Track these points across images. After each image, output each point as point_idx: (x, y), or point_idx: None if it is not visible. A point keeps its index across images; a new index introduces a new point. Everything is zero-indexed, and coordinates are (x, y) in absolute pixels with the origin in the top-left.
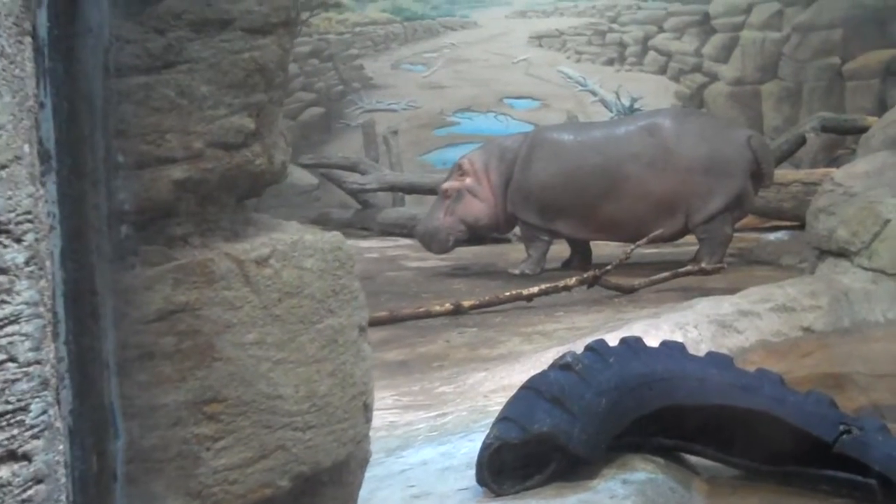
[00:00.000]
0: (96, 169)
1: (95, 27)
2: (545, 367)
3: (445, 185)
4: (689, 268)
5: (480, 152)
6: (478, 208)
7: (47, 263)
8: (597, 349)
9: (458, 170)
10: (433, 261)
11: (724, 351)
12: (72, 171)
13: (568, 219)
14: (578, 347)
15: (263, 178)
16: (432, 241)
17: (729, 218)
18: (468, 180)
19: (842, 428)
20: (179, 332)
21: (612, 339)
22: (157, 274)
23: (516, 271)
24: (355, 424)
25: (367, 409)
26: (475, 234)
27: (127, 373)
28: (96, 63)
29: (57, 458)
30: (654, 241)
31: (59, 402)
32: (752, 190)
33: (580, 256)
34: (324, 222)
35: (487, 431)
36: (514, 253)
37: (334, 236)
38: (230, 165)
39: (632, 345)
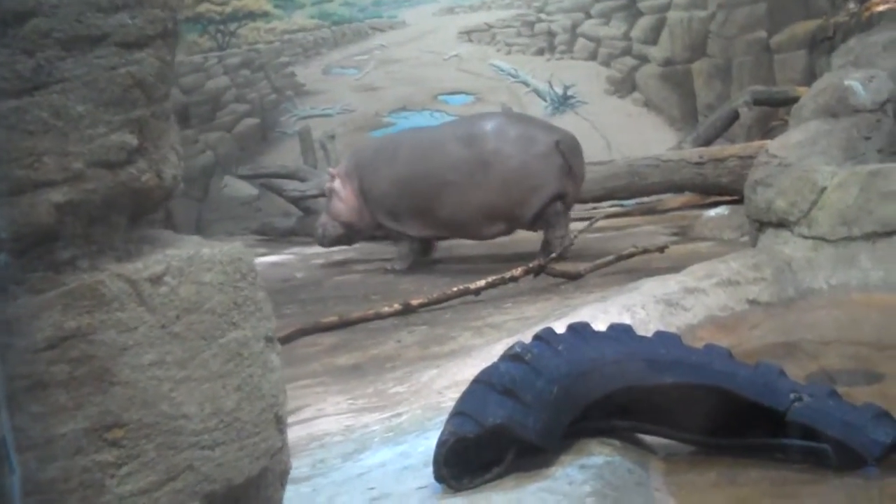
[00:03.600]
0: None
1: None
2: (496, 359)
3: (325, 186)
4: (632, 250)
5: (348, 155)
6: (340, 209)
7: None
8: (545, 337)
9: (330, 174)
10: (377, 262)
11: (672, 329)
12: None
13: (411, 220)
14: (528, 337)
15: (153, 195)
16: (314, 236)
17: (560, 210)
18: (336, 182)
19: (793, 396)
20: (72, 358)
21: (561, 326)
22: (44, 301)
23: (388, 267)
24: (267, 437)
25: (279, 420)
26: (351, 233)
27: (18, 405)
28: None
29: None
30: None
31: None
32: (569, 189)
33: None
34: (267, 232)
35: (442, 428)
36: (461, 249)
37: (234, 248)
38: (114, 184)
39: (579, 330)
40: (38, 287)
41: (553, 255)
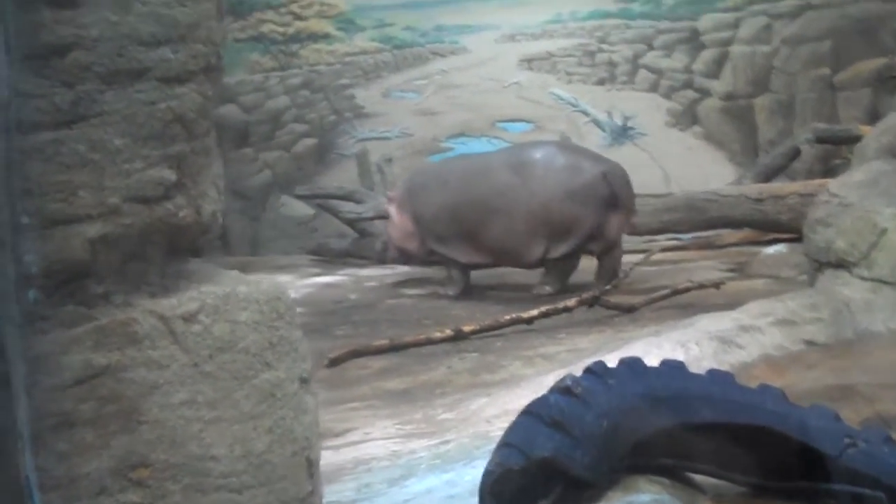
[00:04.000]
0: (1, 231)
1: None
2: (547, 390)
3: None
4: (687, 284)
5: (403, 181)
6: (394, 233)
7: None
8: (596, 371)
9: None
10: (432, 286)
11: (726, 367)
12: None
13: (459, 246)
14: (580, 369)
15: (191, 231)
16: (375, 251)
17: (577, 250)
18: (392, 207)
19: (846, 441)
20: (101, 396)
21: (614, 360)
22: (75, 336)
23: (440, 291)
24: (298, 481)
25: (310, 464)
26: (405, 257)
27: (43, 443)
28: None
29: None
30: (526, 268)
31: None
32: (612, 220)
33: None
34: (322, 253)
35: (489, 458)
36: (515, 276)
37: (272, 286)
38: (151, 220)
39: (631, 365)
40: (68, 322)
41: (607, 287)
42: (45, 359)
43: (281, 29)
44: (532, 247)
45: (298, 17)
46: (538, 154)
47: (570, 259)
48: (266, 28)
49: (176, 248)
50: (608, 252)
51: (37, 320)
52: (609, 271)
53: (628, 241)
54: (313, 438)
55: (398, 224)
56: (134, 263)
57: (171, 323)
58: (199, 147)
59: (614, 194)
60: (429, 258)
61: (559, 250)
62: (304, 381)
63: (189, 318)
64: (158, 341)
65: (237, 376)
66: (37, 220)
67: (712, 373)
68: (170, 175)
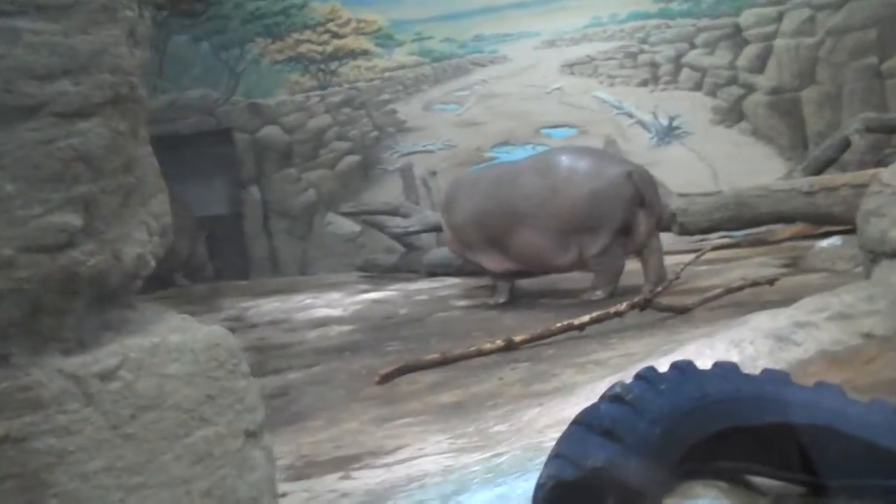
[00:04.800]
0: None
1: None
2: (597, 399)
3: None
4: (741, 282)
5: (444, 190)
6: (446, 238)
7: None
8: (647, 377)
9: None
10: (480, 298)
11: (782, 365)
12: None
13: (488, 253)
14: (630, 376)
15: (109, 278)
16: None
17: (620, 251)
18: (440, 215)
19: None
20: (1, 469)
21: (666, 363)
22: None
23: (490, 302)
24: None
25: None
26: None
27: None
28: None
29: None
30: (557, 272)
31: None
32: (641, 220)
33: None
34: (370, 269)
35: (541, 470)
36: (565, 283)
37: (212, 332)
38: (53, 269)
39: (683, 369)
40: None
41: (657, 288)
42: None
43: (319, 48)
44: (561, 250)
45: (336, 36)
46: (563, 157)
47: (613, 260)
48: (304, 48)
49: (101, 298)
50: (646, 252)
51: None
52: (654, 272)
53: (679, 242)
54: (265, 498)
55: (446, 230)
56: (41, 318)
57: (84, 382)
58: (112, 186)
59: (639, 193)
60: (469, 266)
61: (591, 250)
62: (250, 434)
63: (107, 376)
64: (68, 404)
65: (166, 436)
66: None
67: (767, 372)
68: (74, 219)
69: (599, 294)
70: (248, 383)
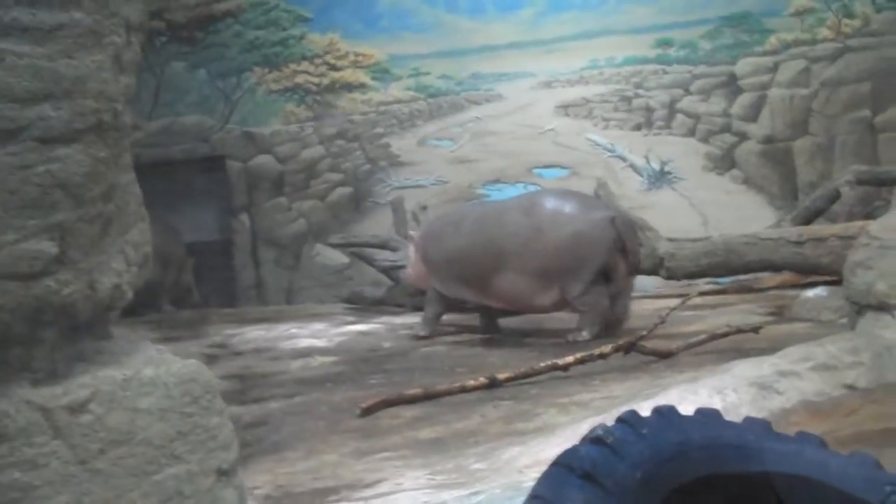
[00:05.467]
0: None
1: None
2: (578, 440)
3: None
4: (726, 329)
5: (422, 224)
6: (413, 274)
7: None
8: (629, 420)
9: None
10: (466, 334)
11: (764, 414)
12: None
13: (468, 288)
14: (613, 418)
15: (84, 307)
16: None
17: (603, 291)
18: (410, 248)
19: (888, 489)
20: None
21: (648, 407)
22: None
23: (416, 332)
24: None
25: None
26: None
27: None
28: None
29: None
30: (537, 312)
31: None
32: (620, 265)
33: (488, 324)
34: (357, 301)
35: None
36: (549, 322)
37: (186, 366)
38: (26, 298)
39: (665, 414)
40: None
41: (645, 332)
42: None
43: (316, 79)
44: (542, 290)
45: (333, 68)
46: (548, 199)
47: (598, 301)
48: (301, 79)
49: (71, 328)
50: (615, 297)
51: None
52: (620, 310)
53: (666, 286)
54: None
55: (413, 265)
56: (10, 347)
57: (52, 415)
58: (91, 214)
59: (621, 239)
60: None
61: (572, 292)
62: (222, 473)
63: (77, 409)
64: (35, 437)
65: (135, 473)
66: None
67: (748, 421)
68: (49, 247)
69: (585, 335)
70: (222, 420)
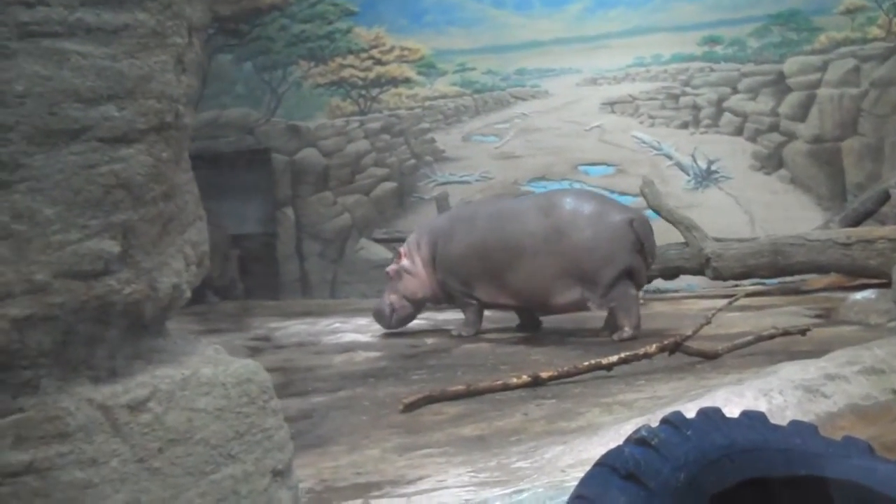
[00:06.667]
0: None
1: None
2: (622, 441)
3: (388, 269)
4: (772, 331)
5: (413, 235)
6: (413, 284)
7: None
8: (673, 421)
9: (397, 255)
10: (510, 332)
11: (810, 417)
12: None
13: (483, 286)
14: (657, 419)
15: (144, 307)
16: (380, 319)
17: (628, 283)
18: (404, 261)
19: None
20: (21, 498)
21: (693, 409)
22: None
23: (454, 332)
24: None
25: None
26: (419, 307)
27: None
28: None
29: None
30: (552, 312)
31: None
32: (641, 266)
33: (529, 323)
34: None
35: None
36: (592, 321)
37: (244, 367)
38: (88, 297)
39: (710, 416)
40: None
41: (690, 333)
42: None
43: (362, 74)
44: (562, 290)
45: (379, 63)
46: (567, 199)
47: (626, 293)
48: (347, 73)
49: (132, 327)
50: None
51: None
52: (626, 306)
53: (712, 286)
54: None
55: (414, 273)
56: (74, 345)
57: (112, 413)
58: (152, 214)
59: (640, 241)
60: (439, 302)
61: (594, 293)
62: (277, 473)
63: (136, 407)
64: (95, 434)
65: (192, 472)
66: None
67: (794, 424)
68: (112, 247)
69: (627, 332)
70: (278, 420)
